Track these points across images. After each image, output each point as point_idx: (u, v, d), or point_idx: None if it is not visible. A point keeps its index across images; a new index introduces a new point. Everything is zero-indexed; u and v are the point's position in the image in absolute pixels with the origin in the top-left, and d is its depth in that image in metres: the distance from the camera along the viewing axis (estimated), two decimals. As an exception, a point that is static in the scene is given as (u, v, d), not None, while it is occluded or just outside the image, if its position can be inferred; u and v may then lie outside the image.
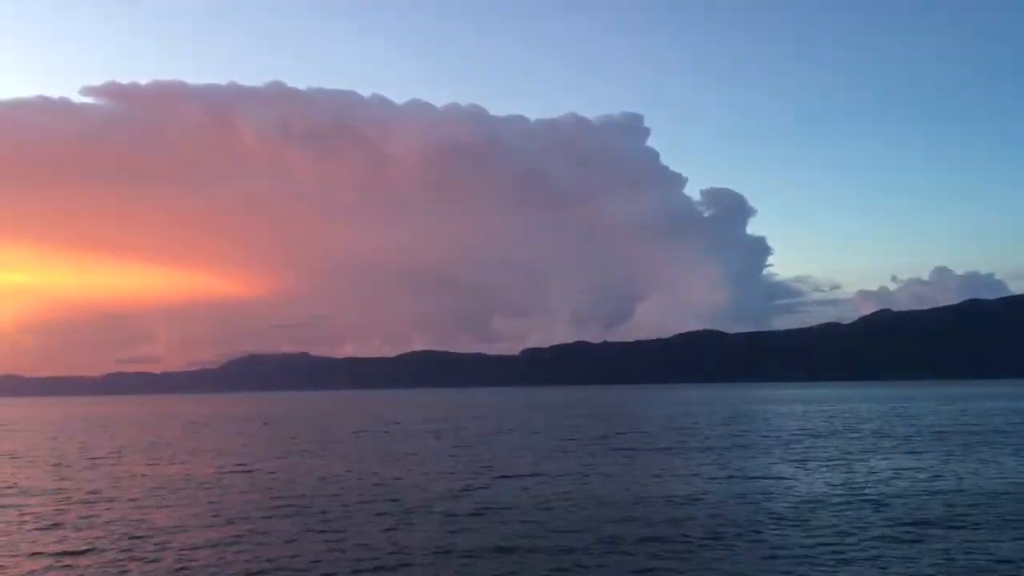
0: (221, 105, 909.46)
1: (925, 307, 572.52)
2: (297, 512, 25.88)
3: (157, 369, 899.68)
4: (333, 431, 72.97)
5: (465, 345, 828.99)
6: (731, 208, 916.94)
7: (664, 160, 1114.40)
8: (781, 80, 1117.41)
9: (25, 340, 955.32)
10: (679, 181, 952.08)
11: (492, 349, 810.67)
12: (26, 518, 25.84)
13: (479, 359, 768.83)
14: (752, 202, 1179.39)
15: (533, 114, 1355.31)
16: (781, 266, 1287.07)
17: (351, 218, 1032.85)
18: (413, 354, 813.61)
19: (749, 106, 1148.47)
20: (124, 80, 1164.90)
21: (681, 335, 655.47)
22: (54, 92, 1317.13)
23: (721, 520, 23.05)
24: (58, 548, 20.96)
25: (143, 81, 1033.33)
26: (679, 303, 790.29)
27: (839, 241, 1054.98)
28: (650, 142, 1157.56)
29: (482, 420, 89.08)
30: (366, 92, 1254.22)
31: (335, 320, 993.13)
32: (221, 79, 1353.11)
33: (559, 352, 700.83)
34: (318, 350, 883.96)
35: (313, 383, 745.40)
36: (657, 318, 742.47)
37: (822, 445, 46.92)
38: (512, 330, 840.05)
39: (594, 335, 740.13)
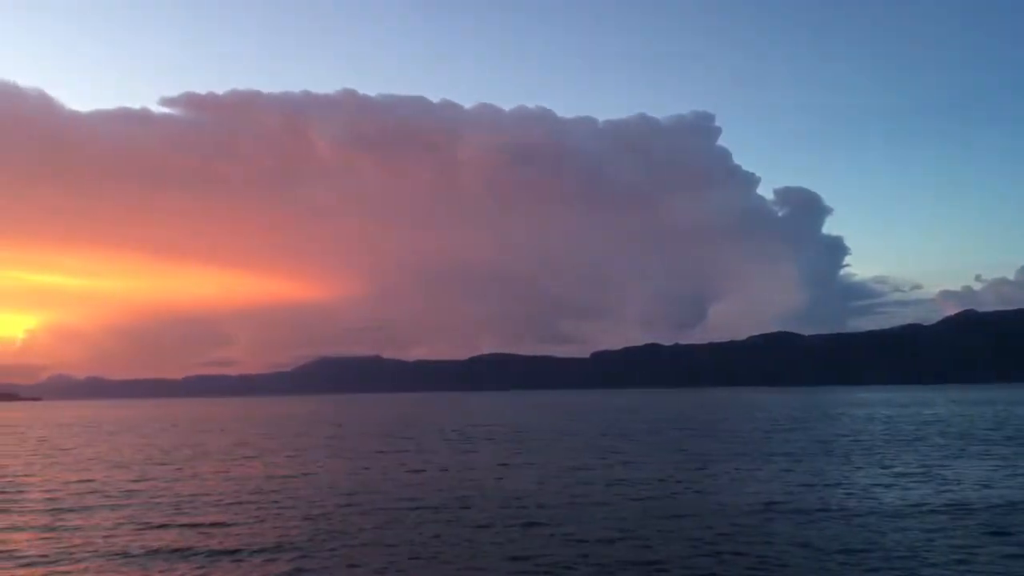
0: (294, 113, 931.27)
1: (1012, 307, 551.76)
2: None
3: (234, 371, 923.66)
4: (433, 432, 73.45)
5: (533, 348, 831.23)
6: (806, 207, 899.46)
7: (736, 159, 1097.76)
8: (857, 76, 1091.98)
9: (109, 344, 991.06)
10: (752, 180, 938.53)
11: (560, 351, 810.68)
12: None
13: (547, 361, 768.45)
14: (828, 201, 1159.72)
15: (601, 115, 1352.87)
16: (859, 266, 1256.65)
17: (421, 222, 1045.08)
18: (482, 357, 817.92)
19: (824, 103, 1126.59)
20: (201, 90, 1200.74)
21: (755, 337, 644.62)
22: (134, 103, 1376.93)
23: (810, 528, 22.40)
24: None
25: (220, 91, 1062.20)
26: (753, 305, 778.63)
27: (920, 240, 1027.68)
28: (721, 141, 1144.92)
29: (582, 423, 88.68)
30: (435, 97, 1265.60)
31: (406, 323, 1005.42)
32: (295, 87, 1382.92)
33: (629, 354, 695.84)
34: (389, 353, 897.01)
35: (384, 385, 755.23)
36: (730, 320, 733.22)
37: (915, 451, 45.35)
38: (581, 332, 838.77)
39: (665, 337, 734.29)
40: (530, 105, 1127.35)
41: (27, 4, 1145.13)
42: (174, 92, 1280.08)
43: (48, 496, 32.52)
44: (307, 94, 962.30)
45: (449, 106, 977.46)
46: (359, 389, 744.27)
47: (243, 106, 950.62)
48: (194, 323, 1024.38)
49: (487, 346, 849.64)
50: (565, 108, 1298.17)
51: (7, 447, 65.97)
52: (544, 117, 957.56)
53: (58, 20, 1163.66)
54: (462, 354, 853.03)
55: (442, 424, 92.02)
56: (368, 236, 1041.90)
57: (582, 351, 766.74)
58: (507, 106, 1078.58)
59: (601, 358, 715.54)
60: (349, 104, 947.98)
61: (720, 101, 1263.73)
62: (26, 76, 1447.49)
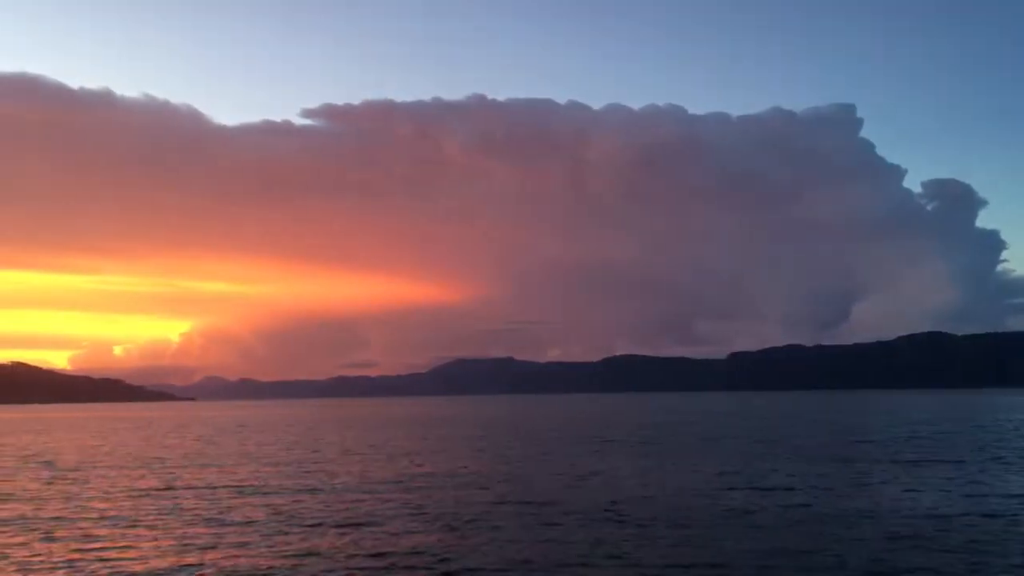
0: (426, 120, 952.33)
1: None
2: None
3: (374, 373, 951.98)
4: (577, 435, 73.49)
5: (668, 349, 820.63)
6: (957, 200, 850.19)
7: (880, 151, 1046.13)
8: (1010, 58, 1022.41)
9: (259, 347, 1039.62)
10: (897, 173, 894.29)
11: (696, 353, 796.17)
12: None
13: (683, 363, 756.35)
14: (982, 193, 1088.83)
15: (735, 110, 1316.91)
16: (1018, 261, 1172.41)
17: (553, 224, 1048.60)
18: (616, 358, 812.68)
19: (973, 88, 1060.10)
20: (339, 102, 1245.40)
21: (903, 337, 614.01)
22: (277, 116, 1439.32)
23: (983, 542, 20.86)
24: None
25: (355, 102, 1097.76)
26: (901, 303, 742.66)
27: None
28: (864, 133, 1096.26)
29: (726, 426, 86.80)
30: (562, 99, 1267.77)
31: (540, 325, 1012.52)
32: (426, 95, 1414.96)
33: (769, 356, 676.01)
34: (523, 355, 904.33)
35: (519, 387, 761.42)
36: (876, 319, 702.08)
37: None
38: (717, 333, 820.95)
39: (807, 338, 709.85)
40: (660, 103, 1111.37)
41: (179, 27, 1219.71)
42: (314, 104, 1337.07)
43: (198, 495, 34.12)
44: (438, 101, 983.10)
45: (577, 107, 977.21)
46: (493, 391, 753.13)
47: (377, 115, 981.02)
48: (336, 326, 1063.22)
49: (621, 348, 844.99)
50: (696, 105, 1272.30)
51: (181, 443, 70.02)
52: (675, 114, 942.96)
53: (208, 40, 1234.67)
54: (596, 356, 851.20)
55: (581, 426, 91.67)
56: (501, 239, 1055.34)
57: (719, 352, 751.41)
58: (636, 105, 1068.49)
59: (739, 359, 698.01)
60: (478, 109, 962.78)
61: (860, 91, 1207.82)
62: (177, 93, 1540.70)
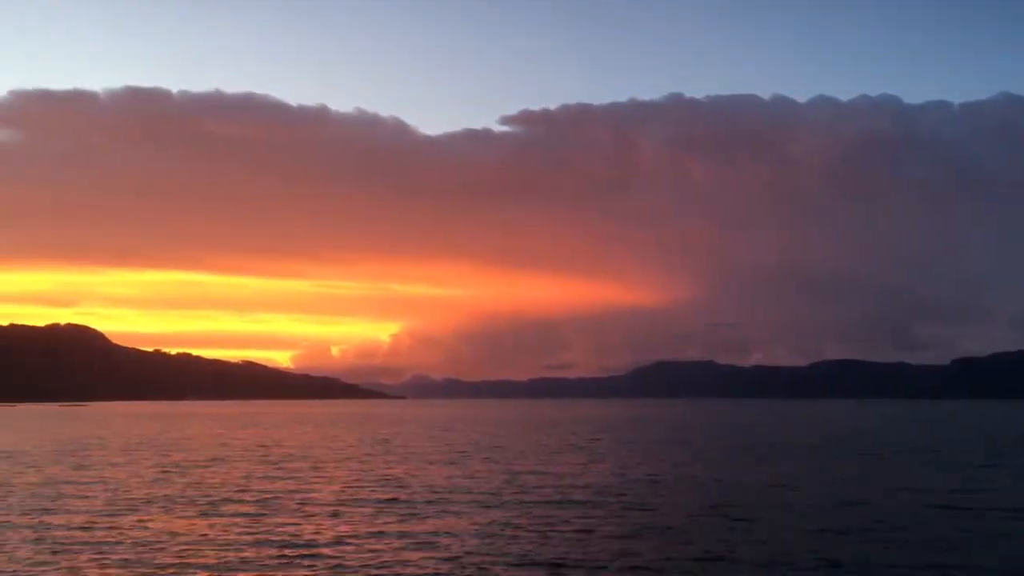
0: (623, 121, 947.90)
1: None
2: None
3: (572, 375, 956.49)
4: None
5: (884, 354, 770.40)
6: None
7: None
8: None
9: (463, 348, 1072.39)
10: None
11: (915, 358, 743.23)
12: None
13: (900, 368, 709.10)
14: None
15: (957, 98, 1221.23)
16: None
17: (755, 223, 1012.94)
18: (826, 363, 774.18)
19: None
20: (536, 107, 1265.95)
21: None
22: (477, 124, 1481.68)
23: None
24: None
25: (552, 106, 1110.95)
26: None
27: None
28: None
29: (959, 437, 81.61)
30: (766, 94, 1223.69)
31: (742, 328, 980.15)
32: (622, 96, 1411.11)
33: (1000, 361, 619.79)
34: (725, 358, 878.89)
35: (719, 390, 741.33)
36: None
37: None
38: (939, 337, 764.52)
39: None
40: (872, 94, 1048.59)
41: (387, 46, 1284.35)
42: (512, 111, 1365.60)
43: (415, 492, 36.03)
44: (634, 102, 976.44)
45: (782, 101, 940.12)
46: (693, 394, 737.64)
47: (574, 119, 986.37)
48: (536, 328, 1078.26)
49: (831, 352, 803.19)
50: (913, 94, 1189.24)
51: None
52: (889, 105, 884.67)
53: (414, 56, 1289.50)
54: (802, 360, 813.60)
55: (793, 432, 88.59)
56: (701, 239, 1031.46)
57: (941, 357, 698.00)
58: (845, 97, 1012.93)
59: (965, 365, 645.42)
60: (676, 108, 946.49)
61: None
62: (384, 106, 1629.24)
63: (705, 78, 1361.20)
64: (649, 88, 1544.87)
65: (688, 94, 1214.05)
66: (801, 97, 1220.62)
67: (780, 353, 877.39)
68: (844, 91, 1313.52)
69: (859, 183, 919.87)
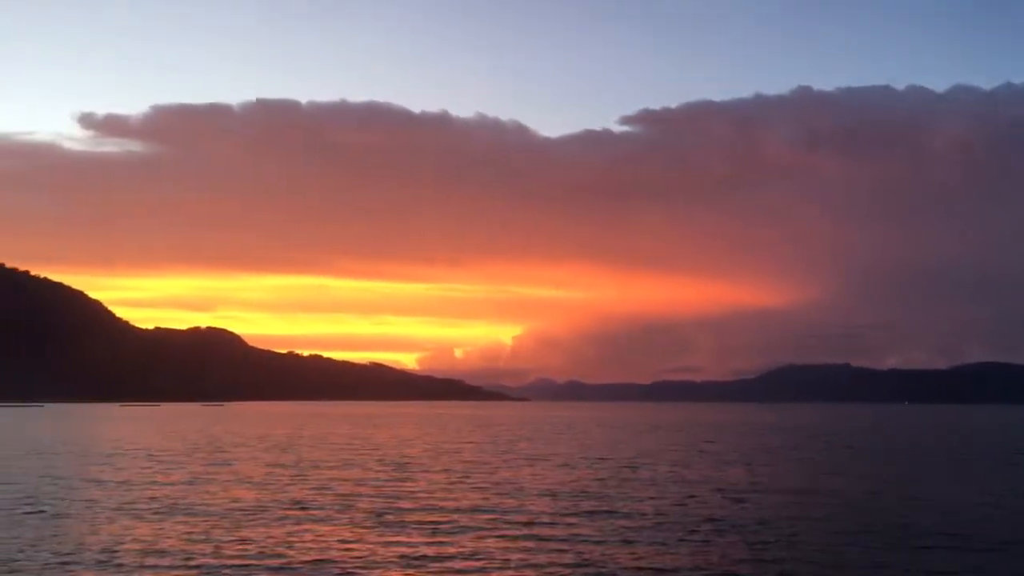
0: (747, 118, 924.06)
1: None
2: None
3: (698, 378, 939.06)
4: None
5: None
6: None
7: None
8: None
9: (586, 350, 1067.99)
10: None
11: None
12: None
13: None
14: None
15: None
16: None
17: (890, 220, 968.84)
18: (968, 366, 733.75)
19: None
20: (656, 106, 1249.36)
21: None
22: (597, 124, 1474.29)
23: None
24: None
25: (673, 105, 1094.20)
26: None
27: None
28: None
29: None
30: (900, 85, 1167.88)
31: (878, 329, 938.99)
32: (746, 93, 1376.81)
33: None
34: (860, 361, 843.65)
35: (855, 395, 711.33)
36: None
37: None
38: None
39: None
40: (1016, 81, 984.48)
41: (504, 51, 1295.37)
42: (631, 111, 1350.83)
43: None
44: (759, 97, 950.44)
45: (918, 92, 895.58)
46: (826, 398, 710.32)
47: (695, 117, 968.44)
48: (659, 330, 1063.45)
49: (974, 354, 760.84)
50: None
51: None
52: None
53: (531, 59, 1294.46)
54: (943, 363, 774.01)
55: (950, 441, 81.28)
56: (832, 237, 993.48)
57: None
58: (988, 85, 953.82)
59: None
60: (804, 102, 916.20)
61: None
62: (504, 110, 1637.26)
63: (834, 70, 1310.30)
64: (775, 82, 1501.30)
65: (816, 87, 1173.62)
66: (939, 87, 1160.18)
67: (919, 355, 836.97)
68: (986, 79, 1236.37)
69: (1005, 175, 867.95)
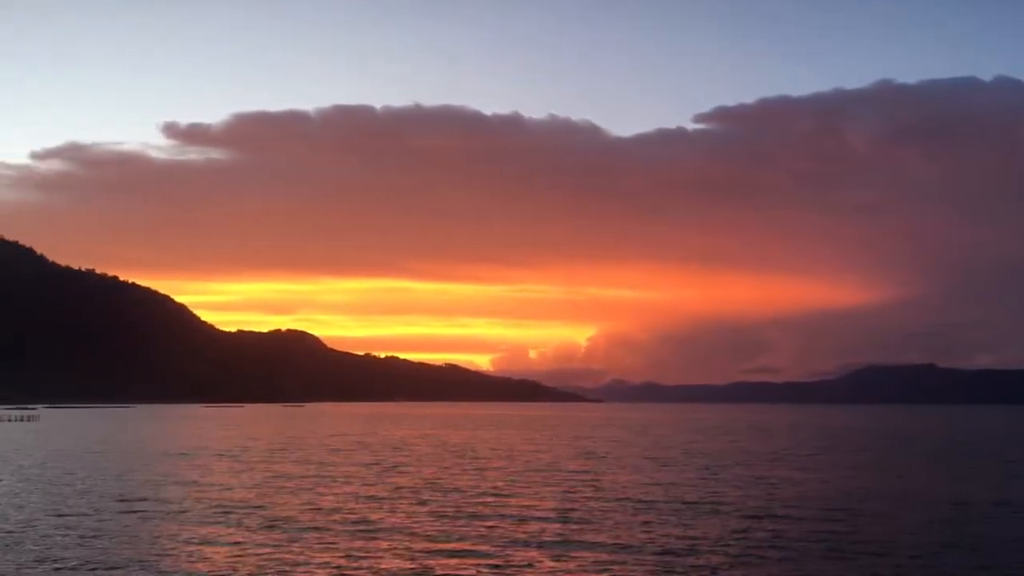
0: (826, 112, 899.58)
1: None
2: None
3: (777, 379, 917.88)
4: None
5: None
6: None
7: None
8: None
9: (661, 351, 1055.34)
10: None
11: None
12: None
13: None
14: None
15: None
16: None
17: (980, 216, 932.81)
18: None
19: None
20: (731, 103, 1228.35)
21: None
22: (670, 124, 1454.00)
23: None
24: None
25: (749, 100, 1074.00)
26: None
27: None
28: None
29: None
30: (987, 76, 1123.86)
31: (966, 328, 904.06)
32: (826, 87, 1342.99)
33: None
34: (946, 361, 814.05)
35: (940, 396, 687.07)
36: None
37: None
38: None
39: None
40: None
41: (576, 52, 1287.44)
42: (706, 108, 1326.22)
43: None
44: (839, 91, 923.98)
45: (1008, 83, 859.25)
46: (911, 399, 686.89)
47: (773, 113, 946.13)
48: (737, 330, 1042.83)
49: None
50: None
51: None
52: None
53: (602, 59, 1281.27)
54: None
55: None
56: (917, 234, 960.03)
57: None
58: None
59: None
60: (886, 95, 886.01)
61: None
62: (576, 110, 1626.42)
63: (917, 62, 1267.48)
64: (855, 76, 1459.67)
65: (899, 80, 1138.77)
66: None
67: (1010, 356, 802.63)
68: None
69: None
